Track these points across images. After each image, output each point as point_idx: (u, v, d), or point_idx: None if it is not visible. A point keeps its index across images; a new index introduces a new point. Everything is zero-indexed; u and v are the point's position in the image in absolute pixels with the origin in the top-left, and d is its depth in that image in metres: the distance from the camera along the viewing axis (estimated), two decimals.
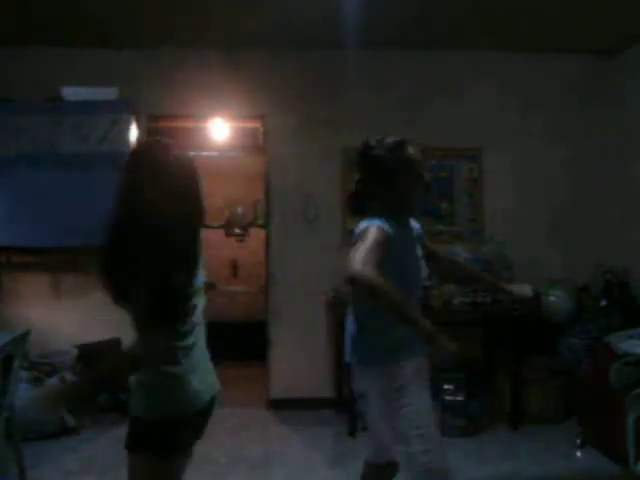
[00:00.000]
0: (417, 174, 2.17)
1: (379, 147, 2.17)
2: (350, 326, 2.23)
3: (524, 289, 2.46)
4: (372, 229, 1.98)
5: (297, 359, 4.63)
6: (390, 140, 2.18)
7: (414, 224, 2.35)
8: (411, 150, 2.17)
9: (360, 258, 1.85)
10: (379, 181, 2.15)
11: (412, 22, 4.11)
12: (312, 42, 4.44)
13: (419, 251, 2.29)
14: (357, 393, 2.29)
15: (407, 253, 2.17)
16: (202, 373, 1.88)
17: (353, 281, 1.84)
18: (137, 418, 1.79)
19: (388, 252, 1.95)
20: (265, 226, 4.88)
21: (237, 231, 6.58)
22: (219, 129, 5.78)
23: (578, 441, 3.76)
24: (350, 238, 2.16)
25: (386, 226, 2.02)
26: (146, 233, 1.72)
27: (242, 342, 5.69)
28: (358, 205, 2.24)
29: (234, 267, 6.85)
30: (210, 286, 6.02)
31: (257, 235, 6.17)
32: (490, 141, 4.76)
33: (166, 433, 1.76)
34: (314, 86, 4.68)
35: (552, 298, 4.31)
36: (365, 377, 2.19)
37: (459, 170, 4.79)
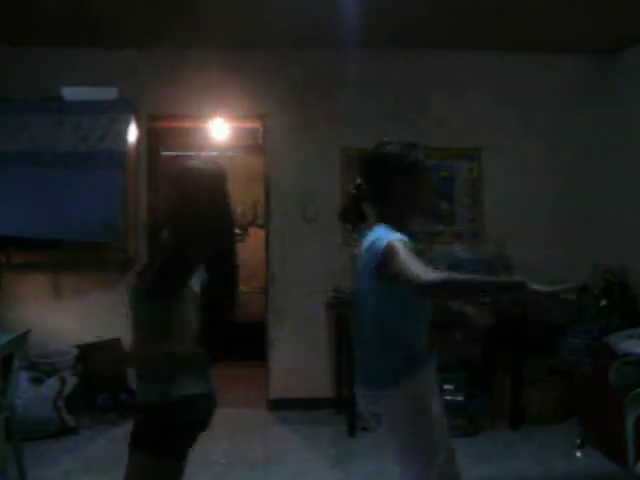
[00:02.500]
0: (428, 178, 2.06)
1: (393, 144, 2.04)
2: (365, 339, 2.00)
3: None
4: (395, 244, 1.79)
5: (297, 359, 4.63)
6: (402, 140, 2.05)
7: None
8: (422, 155, 2.04)
9: (413, 269, 1.68)
10: (392, 179, 1.98)
11: (412, 22, 4.11)
12: (312, 42, 4.44)
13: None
14: (372, 414, 2.02)
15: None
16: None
17: (426, 292, 1.71)
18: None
19: None
20: (265, 226, 4.88)
21: (237, 231, 6.58)
22: (219, 129, 5.78)
23: (578, 441, 3.76)
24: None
25: (405, 238, 1.84)
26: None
27: (242, 342, 5.68)
28: (357, 212, 2.07)
29: None
30: None
31: (257, 235, 6.16)
32: (490, 141, 4.76)
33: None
34: (314, 86, 4.68)
35: None
36: (383, 399, 1.95)
37: (459, 170, 4.79)
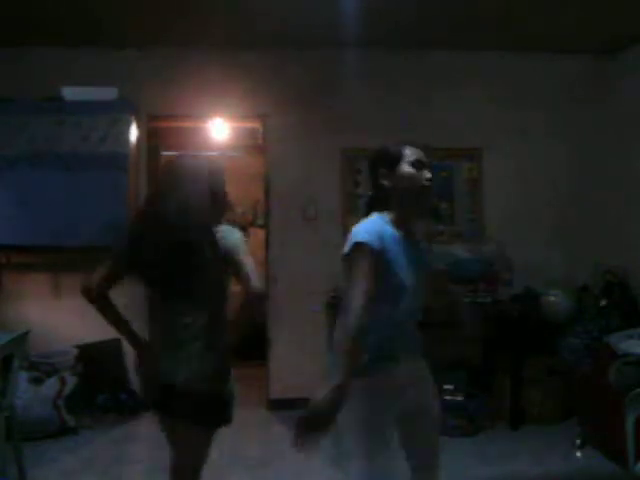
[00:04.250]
0: (410, 189, 2.03)
1: (378, 153, 2.11)
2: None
3: None
4: (358, 250, 1.88)
5: (297, 359, 4.62)
6: (389, 150, 2.08)
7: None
8: (406, 167, 2.02)
9: (353, 308, 1.80)
10: (376, 172, 2.08)
11: (412, 22, 4.11)
12: (312, 42, 4.44)
13: (423, 263, 2.10)
14: None
15: (403, 264, 1.98)
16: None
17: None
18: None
19: (379, 266, 1.88)
20: (265, 226, 4.88)
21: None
22: (219, 129, 5.78)
23: (578, 441, 3.76)
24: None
25: (371, 236, 1.90)
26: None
27: (242, 342, 5.68)
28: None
29: None
30: None
31: (257, 235, 6.16)
32: (490, 141, 4.76)
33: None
34: (314, 86, 4.67)
35: (552, 298, 4.31)
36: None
37: (459, 170, 4.80)
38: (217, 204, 2.20)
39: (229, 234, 2.12)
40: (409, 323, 2.08)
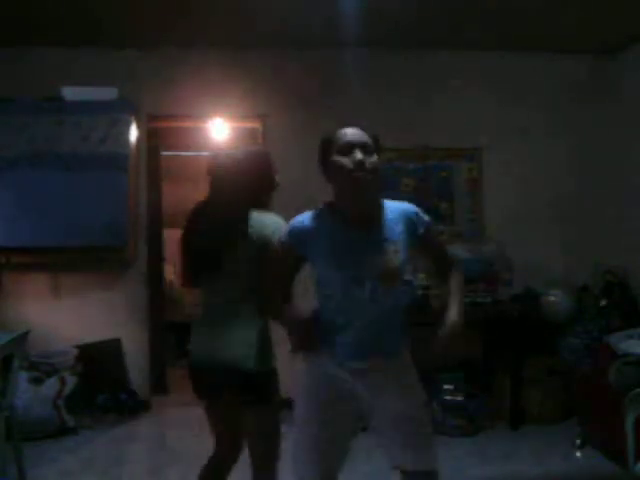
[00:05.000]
0: (340, 180, 1.95)
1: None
2: None
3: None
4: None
5: (296, 359, 4.61)
6: (322, 139, 2.07)
7: (405, 210, 2.00)
8: (333, 156, 1.93)
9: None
10: None
11: (412, 22, 4.11)
12: (312, 42, 4.44)
13: (381, 239, 1.95)
14: None
15: (331, 252, 1.97)
16: None
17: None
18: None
19: (301, 251, 2.02)
20: None
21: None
22: (219, 129, 5.77)
23: (578, 441, 3.76)
24: None
25: (293, 227, 2.06)
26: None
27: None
28: None
29: None
30: None
31: None
32: (490, 141, 4.76)
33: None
34: (314, 86, 4.67)
35: (552, 298, 4.31)
36: None
37: (459, 170, 4.79)
38: (263, 191, 2.50)
39: (268, 221, 2.33)
40: (366, 317, 1.93)
